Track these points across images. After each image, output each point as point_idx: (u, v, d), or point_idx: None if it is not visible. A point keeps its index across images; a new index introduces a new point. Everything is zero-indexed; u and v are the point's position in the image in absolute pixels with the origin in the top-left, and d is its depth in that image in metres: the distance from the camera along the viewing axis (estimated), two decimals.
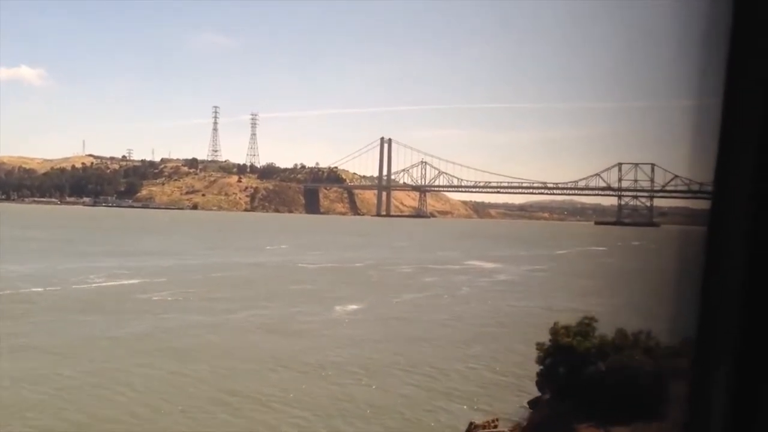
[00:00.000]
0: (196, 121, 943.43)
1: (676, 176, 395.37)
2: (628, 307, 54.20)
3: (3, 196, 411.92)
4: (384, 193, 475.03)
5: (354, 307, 47.91)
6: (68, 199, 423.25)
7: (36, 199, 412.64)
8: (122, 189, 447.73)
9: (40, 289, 49.82)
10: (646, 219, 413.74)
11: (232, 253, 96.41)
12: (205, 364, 28.04)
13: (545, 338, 39.20)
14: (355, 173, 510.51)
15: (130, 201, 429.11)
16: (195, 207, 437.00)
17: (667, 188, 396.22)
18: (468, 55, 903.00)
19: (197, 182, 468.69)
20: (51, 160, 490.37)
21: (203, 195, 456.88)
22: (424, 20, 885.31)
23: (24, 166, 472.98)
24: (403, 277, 72.18)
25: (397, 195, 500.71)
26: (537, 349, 16.18)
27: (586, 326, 16.09)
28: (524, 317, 45.96)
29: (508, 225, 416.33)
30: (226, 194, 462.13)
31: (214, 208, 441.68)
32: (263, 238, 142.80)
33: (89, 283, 54.66)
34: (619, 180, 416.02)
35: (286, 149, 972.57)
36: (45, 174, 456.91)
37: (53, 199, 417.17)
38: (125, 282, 56.72)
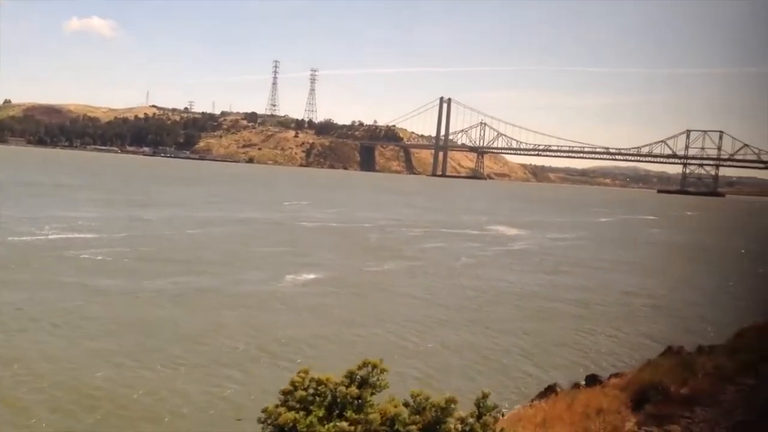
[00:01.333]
0: (258, 77, 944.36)
1: (746, 145, 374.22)
2: (643, 289, 45.00)
3: (66, 143, 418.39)
4: (440, 153, 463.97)
5: (310, 276, 40.04)
6: (128, 148, 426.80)
7: (98, 147, 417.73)
8: (181, 140, 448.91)
9: None
10: (710, 188, 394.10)
11: (242, 207, 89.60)
12: None
13: (521, 334, 30.76)
14: (413, 132, 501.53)
15: (188, 152, 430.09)
16: (251, 160, 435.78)
17: (736, 157, 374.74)
18: (532, 17, 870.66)
19: (254, 136, 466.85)
20: (115, 110, 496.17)
21: (259, 149, 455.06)
22: None
23: (89, 114, 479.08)
24: (403, 241, 63.80)
25: (455, 156, 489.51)
26: (260, 419, 7.75)
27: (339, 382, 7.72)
28: (509, 301, 37.46)
29: (563, 190, 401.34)
30: (282, 149, 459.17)
31: (270, 162, 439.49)
32: (292, 192, 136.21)
33: (35, 235, 48.20)
34: (686, 147, 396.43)
35: (345, 106, 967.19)
36: (108, 123, 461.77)
37: (114, 148, 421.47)
38: (78, 236, 50.08)
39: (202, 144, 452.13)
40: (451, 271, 46.50)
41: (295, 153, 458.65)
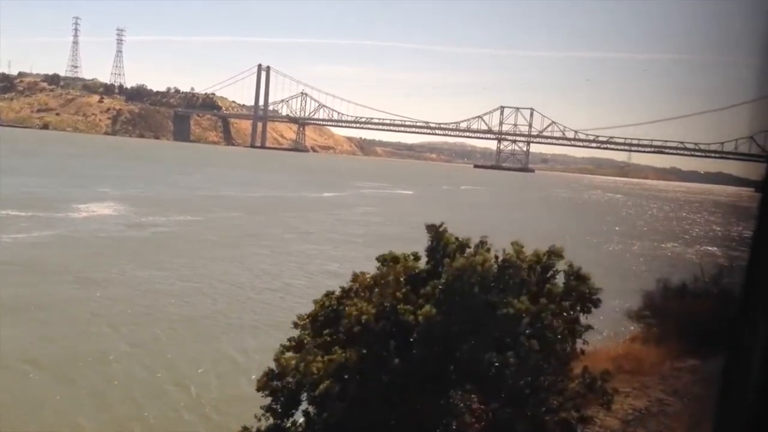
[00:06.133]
0: (63, 39, 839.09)
1: (553, 122, 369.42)
2: None
3: None
4: (260, 124, 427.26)
5: None
6: None
7: None
8: None
9: None
10: (523, 164, 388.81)
11: None
12: None
13: None
14: (233, 102, 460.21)
15: None
16: (45, 126, 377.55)
17: (544, 134, 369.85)
18: None
19: (52, 100, 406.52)
20: None
21: (57, 114, 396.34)
22: None
23: None
24: None
25: (277, 127, 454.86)
26: None
27: None
28: None
29: (371, 163, 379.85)
30: (84, 115, 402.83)
31: (69, 129, 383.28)
32: None
33: None
34: (500, 123, 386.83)
35: (161, 73, 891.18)
36: None
37: None
38: None
39: None
40: None
41: (100, 120, 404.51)
